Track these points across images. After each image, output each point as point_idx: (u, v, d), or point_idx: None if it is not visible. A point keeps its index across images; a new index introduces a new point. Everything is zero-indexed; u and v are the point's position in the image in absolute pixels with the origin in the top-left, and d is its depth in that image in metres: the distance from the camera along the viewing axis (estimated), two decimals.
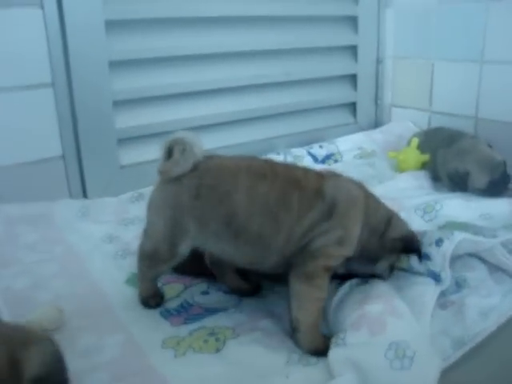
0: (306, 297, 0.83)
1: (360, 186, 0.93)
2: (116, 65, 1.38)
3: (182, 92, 1.52)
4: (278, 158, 1.64)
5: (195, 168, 0.86)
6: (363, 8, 1.85)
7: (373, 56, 1.94)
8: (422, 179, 1.47)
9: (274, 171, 0.88)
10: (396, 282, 0.95)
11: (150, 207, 0.89)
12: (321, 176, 0.90)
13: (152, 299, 0.95)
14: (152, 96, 1.46)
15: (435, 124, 1.81)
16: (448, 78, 1.78)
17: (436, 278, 0.93)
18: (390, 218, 0.91)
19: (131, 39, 1.41)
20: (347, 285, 0.93)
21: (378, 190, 1.31)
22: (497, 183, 1.36)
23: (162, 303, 0.95)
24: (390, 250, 0.90)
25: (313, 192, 0.86)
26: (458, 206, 1.25)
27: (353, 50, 1.89)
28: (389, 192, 1.34)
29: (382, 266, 0.91)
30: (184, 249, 0.88)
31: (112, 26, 1.35)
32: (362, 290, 0.90)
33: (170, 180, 0.86)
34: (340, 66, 1.88)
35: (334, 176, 0.91)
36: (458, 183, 1.39)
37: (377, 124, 2.00)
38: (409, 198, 1.31)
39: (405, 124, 1.90)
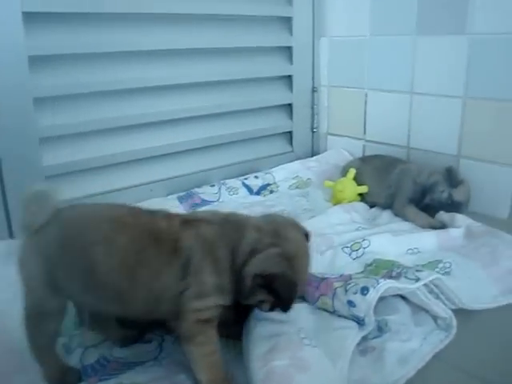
0: (194, 357, 0.81)
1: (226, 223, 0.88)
2: (41, 101, 1.34)
3: (111, 127, 1.49)
4: (213, 190, 1.63)
5: (58, 219, 0.82)
6: (298, 38, 1.87)
7: (308, 85, 1.96)
8: (353, 212, 1.47)
9: (136, 222, 0.84)
10: (320, 322, 0.95)
11: (20, 263, 0.83)
12: (185, 224, 0.85)
13: (62, 380, 0.86)
14: (78, 132, 1.43)
15: (369, 153, 1.84)
16: (380, 107, 1.81)
17: (360, 321, 0.93)
18: (253, 252, 0.84)
19: (56, 74, 1.37)
20: (252, 327, 0.92)
21: (309, 226, 1.33)
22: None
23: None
24: (252, 286, 0.83)
25: (171, 246, 0.82)
26: (386, 242, 1.26)
27: (288, 79, 1.90)
28: (319, 228, 1.34)
29: (252, 301, 0.87)
30: (63, 301, 0.84)
31: (35, 61, 1.31)
32: (268, 338, 0.88)
33: (33, 233, 0.82)
34: (276, 95, 1.89)
35: (197, 223, 0.86)
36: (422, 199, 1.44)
37: (313, 152, 2.01)
38: (338, 234, 1.32)
39: (340, 152, 1.92)
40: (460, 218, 1.38)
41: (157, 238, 0.82)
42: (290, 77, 1.89)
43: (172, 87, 1.61)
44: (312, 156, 1.96)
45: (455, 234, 1.33)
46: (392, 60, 1.73)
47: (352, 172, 1.61)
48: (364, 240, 1.24)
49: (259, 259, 0.83)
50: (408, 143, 1.74)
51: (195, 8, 1.58)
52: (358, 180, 1.61)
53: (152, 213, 0.87)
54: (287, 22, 1.84)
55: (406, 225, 1.41)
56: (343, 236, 1.30)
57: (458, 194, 1.43)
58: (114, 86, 1.46)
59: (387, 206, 1.53)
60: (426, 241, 1.29)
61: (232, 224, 0.87)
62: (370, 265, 1.15)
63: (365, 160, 1.71)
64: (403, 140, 1.74)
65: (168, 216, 0.87)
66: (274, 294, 0.83)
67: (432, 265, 1.18)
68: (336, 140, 1.99)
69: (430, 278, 0.99)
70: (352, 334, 0.91)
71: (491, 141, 1.51)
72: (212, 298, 0.82)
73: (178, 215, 0.89)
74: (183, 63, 1.62)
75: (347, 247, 1.23)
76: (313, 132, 2.00)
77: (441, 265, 1.18)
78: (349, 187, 1.58)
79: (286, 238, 0.86)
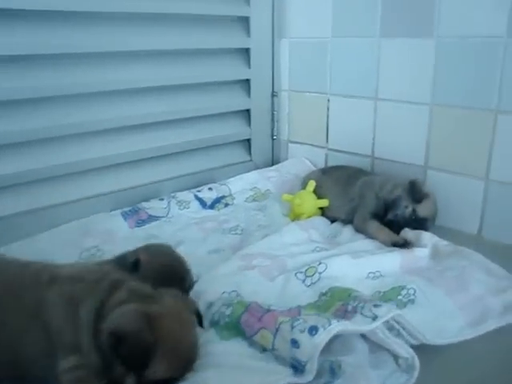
0: None
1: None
2: None
3: (47, 137, 1.34)
4: (162, 204, 1.50)
5: None
6: (256, 39, 1.74)
7: (267, 89, 1.83)
8: (311, 230, 1.35)
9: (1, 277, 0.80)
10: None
11: None
12: (51, 281, 0.79)
13: None
14: (12, 143, 1.28)
15: (332, 162, 1.73)
16: (344, 114, 1.69)
17: (299, 367, 0.81)
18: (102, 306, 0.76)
19: None
20: None
21: (261, 246, 1.22)
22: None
23: None
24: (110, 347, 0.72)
25: (34, 304, 0.77)
26: (345, 265, 1.15)
27: (246, 83, 1.77)
28: (271, 249, 1.23)
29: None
30: None
31: None
32: None
33: None
34: (233, 100, 1.76)
35: (66, 280, 0.80)
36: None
37: (274, 161, 1.89)
38: (293, 256, 1.20)
39: (301, 162, 1.81)
40: (426, 236, 1.28)
41: (19, 295, 0.78)
42: (247, 81, 1.76)
43: (118, 92, 1.47)
44: (272, 165, 1.84)
45: (420, 254, 1.22)
46: (355, 63, 1.62)
47: (311, 184, 1.49)
48: (320, 263, 1.12)
49: (116, 314, 0.73)
50: (372, 153, 1.63)
51: (143, 6, 1.44)
52: (319, 193, 1.50)
53: (24, 265, 0.84)
54: (244, 22, 1.71)
55: (368, 243, 1.31)
56: (298, 258, 1.18)
57: (423, 210, 1.32)
58: (46, 93, 1.31)
59: (349, 221, 1.43)
60: (389, 263, 1.18)
61: (108, 282, 0.79)
62: (325, 294, 1.03)
63: (325, 171, 1.60)
64: (367, 149, 1.63)
65: (38, 271, 0.82)
66: (122, 360, 0.70)
67: (395, 291, 1.08)
68: (297, 148, 1.86)
69: (389, 316, 0.87)
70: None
71: (460, 151, 1.41)
72: (73, 358, 0.73)
73: (49, 270, 0.83)
74: (131, 66, 1.48)
75: (301, 272, 1.11)
76: (273, 139, 1.88)
77: (404, 291, 1.07)
78: (308, 201, 1.47)
79: (159, 296, 0.79)
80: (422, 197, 1.32)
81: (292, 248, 1.24)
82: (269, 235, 1.32)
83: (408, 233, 1.30)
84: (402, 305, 1.03)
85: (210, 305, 0.99)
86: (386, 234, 1.31)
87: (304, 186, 1.54)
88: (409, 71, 1.49)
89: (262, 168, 1.78)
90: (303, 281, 1.09)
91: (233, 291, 1.04)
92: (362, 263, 1.16)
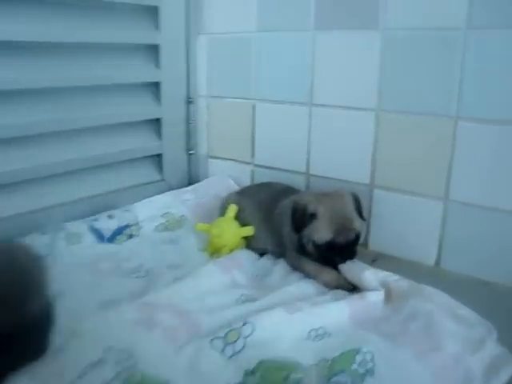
0: None
1: None
2: None
3: None
4: (44, 239, 1.16)
5: None
6: (167, 34, 1.44)
7: (181, 95, 1.53)
8: (234, 271, 1.06)
9: None
10: None
11: None
12: None
13: None
14: None
15: (260, 180, 1.44)
16: (272, 123, 1.42)
17: None
18: None
19: None
20: None
21: (170, 294, 0.92)
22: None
23: None
24: None
25: None
26: (279, 322, 0.86)
27: (155, 87, 1.46)
28: (184, 299, 0.93)
29: None
30: None
31: None
32: None
33: None
34: (139, 108, 1.45)
35: None
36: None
37: (191, 180, 1.59)
38: (210, 311, 0.90)
39: (223, 180, 1.52)
40: (370, 272, 1.02)
41: None
42: (157, 84, 1.46)
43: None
44: (189, 185, 1.54)
45: (372, 299, 0.96)
46: (285, 62, 1.36)
47: (233, 209, 1.21)
48: (245, 324, 0.83)
49: None
50: (307, 169, 1.36)
51: None
52: (241, 218, 1.22)
53: None
54: (152, 12, 1.41)
55: (306, 286, 1.04)
56: (216, 315, 0.88)
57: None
58: None
59: (280, 253, 1.15)
60: (335, 314, 0.91)
61: None
62: (253, 372, 0.74)
63: (246, 192, 1.32)
64: (301, 165, 1.37)
65: None
66: None
67: (347, 358, 0.80)
68: (219, 164, 1.57)
69: None
70: None
71: (413, 166, 1.18)
72: None
73: None
74: (13, 64, 1.16)
75: (219, 338, 0.81)
76: (189, 154, 1.57)
77: (359, 357, 0.80)
78: (229, 230, 1.18)
79: None
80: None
81: (210, 299, 0.94)
82: (180, 279, 1.01)
83: (348, 272, 1.03)
84: (358, 378, 0.76)
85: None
86: (327, 273, 1.05)
87: (223, 211, 1.24)
88: (350, 70, 1.24)
89: (176, 189, 1.49)
90: (222, 350, 0.79)
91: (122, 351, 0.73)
92: (300, 318, 0.88)
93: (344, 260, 1.05)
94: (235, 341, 0.80)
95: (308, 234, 1.05)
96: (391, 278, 1.03)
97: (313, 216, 1.05)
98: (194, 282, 0.98)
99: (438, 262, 1.18)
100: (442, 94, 1.10)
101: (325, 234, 1.04)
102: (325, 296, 0.98)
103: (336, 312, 0.91)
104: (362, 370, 0.77)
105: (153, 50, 1.44)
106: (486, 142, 1.06)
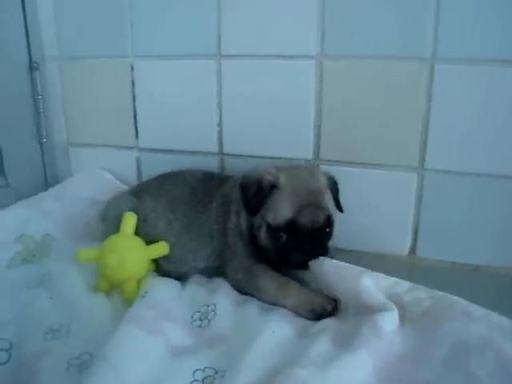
0: None
1: None
2: None
3: None
4: None
5: None
6: None
7: (21, 59, 1.07)
8: (163, 323, 0.66)
9: None
10: None
11: None
12: None
13: None
14: None
15: (151, 171, 1.03)
16: (162, 88, 1.04)
17: None
18: None
19: None
20: None
21: None
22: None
23: None
24: None
25: None
26: None
27: None
28: None
29: None
30: None
31: None
32: None
33: None
34: None
35: None
36: None
37: (48, 182, 1.14)
38: None
39: (97, 177, 1.12)
40: (368, 278, 0.71)
41: None
42: None
43: None
44: (47, 188, 1.10)
45: (387, 329, 0.63)
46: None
47: (130, 220, 0.84)
48: None
49: None
50: (220, 147, 0.99)
51: None
52: (144, 231, 0.86)
53: None
54: None
55: (282, 323, 0.70)
56: None
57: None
58: None
59: (215, 270, 0.82)
60: (354, 376, 0.58)
61: None
62: None
63: (145, 190, 0.93)
64: (210, 143, 1.01)
65: None
66: None
67: None
68: (87, 154, 1.15)
69: None
70: None
71: (374, 127, 0.90)
72: None
73: None
74: None
75: None
76: (41, 144, 1.11)
77: None
78: (131, 255, 0.80)
79: None
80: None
81: None
82: (79, 365, 0.60)
83: (330, 276, 0.73)
84: None
85: None
86: (293, 290, 0.75)
87: (113, 224, 0.85)
88: (277, 4, 0.89)
89: (29, 196, 1.06)
90: None
91: None
92: None
93: (313, 256, 0.75)
94: None
95: (262, 215, 0.76)
96: (401, 286, 0.72)
97: (273, 188, 0.75)
98: (110, 368, 0.56)
99: (412, 251, 0.93)
100: (414, 32, 0.83)
101: (284, 212, 0.73)
102: (318, 340, 0.62)
103: (353, 368, 0.57)
104: None
105: None
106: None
